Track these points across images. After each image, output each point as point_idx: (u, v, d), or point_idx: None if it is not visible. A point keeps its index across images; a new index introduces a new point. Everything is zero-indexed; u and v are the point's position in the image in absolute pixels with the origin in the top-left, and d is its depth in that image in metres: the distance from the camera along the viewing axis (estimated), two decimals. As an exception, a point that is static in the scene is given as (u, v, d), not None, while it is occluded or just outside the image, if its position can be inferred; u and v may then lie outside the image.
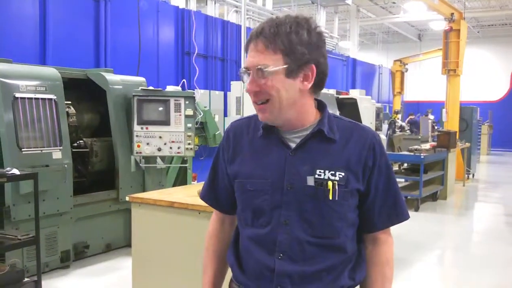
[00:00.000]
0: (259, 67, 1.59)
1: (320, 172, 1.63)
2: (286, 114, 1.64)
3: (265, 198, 1.66)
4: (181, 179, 7.22)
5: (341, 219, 1.65)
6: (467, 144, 12.96)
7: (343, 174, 1.63)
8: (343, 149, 1.67)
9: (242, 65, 1.69)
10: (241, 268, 1.75)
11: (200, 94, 9.35)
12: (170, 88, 6.77)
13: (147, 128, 6.13)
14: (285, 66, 1.59)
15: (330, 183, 1.61)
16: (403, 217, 1.77)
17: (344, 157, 1.66)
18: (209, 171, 1.90)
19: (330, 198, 1.61)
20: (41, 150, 5.22)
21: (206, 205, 1.97)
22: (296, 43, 1.60)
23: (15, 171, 4.28)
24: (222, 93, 12.31)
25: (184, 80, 7.93)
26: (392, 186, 1.74)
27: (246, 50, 1.65)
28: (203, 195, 1.94)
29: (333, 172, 1.63)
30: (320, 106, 1.74)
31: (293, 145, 1.67)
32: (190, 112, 6.25)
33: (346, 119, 1.76)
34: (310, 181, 1.63)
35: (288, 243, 1.63)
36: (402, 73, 22.96)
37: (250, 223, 1.71)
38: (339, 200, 1.63)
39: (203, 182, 1.99)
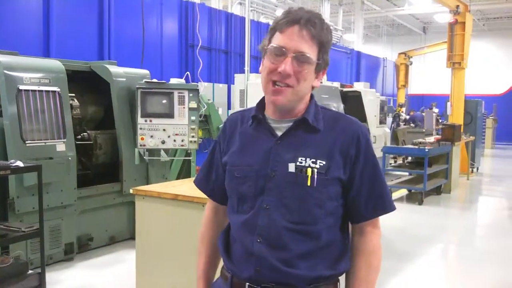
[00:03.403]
0: (303, 54, 1.64)
1: (301, 159, 1.68)
2: (295, 104, 1.71)
3: (249, 185, 1.73)
4: (184, 172, 7.24)
5: (320, 206, 1.68)
6: (472, 138, 12.91)
7: (324, 162, 1.67)
8: (327, 138, 1.71)
9: (275, 43, 1.67)
10: (228, 254, 1.82)
11: (203, 87, 9.34)
12: (173, 81, 6.77)
13: (150, 121, 6.12)
14: (319, 62, 1.67)
15: (309, 170, 1.66)
16: (389, 208, 1.78)
17: (327, 146, 1.70)
18: (205, 160, 1.98)
19: (309, 184, 1.65)
20: (45, 143, 5.22)
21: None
22: (328, 43, 1.70)
23: (19, 164, 4.28)
24: (226, 86, 12.30)
25: (188, 73, 7.93)
26: (377, 178, 1.76)
27: (280, 30, 1.67)
28: (198, 182, 2.02)
29: (314, 160, 1.67)
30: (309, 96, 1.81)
31: (280, 134, 1.73)
32: (194, 104, 6.24)
33: (333, 110, 1.82)
34: (291, 167, 1.68)
35: (266, 227, 1.68)
36: (407, 66, 22.88)
37: (236, 209, 1.78)
38: (318, 187, 1.66)
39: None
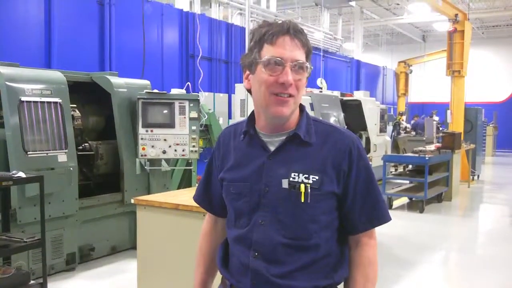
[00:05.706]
0: (301, 62, 1.65)
1: (294, 175, 1.67)
2: (292, 114, 1.71)
3: (245, 200, 1.73)
4: (186, 182, 7.24)
5: (314, 222, 1.68)
6: (472, 145, 12.91)
7: (317, 177, 1.67)
8: (319, 152, 1.70)
9: (268, 55, 1.64)
10: (225, 266, 1.83)
11: (204, 97, 9.35)
12: (174, 91, 6.79)
13: (152, 131, 6.14)
14: (311, 69, 1.70)
15: (302, 186, 1.66)
16: (384, 219, 1.78)
17: (319, 161, 1.69)
18: (203, 174, 1.98)
19: (302, 200, 1.66)
20: (47, 153, 5.24)
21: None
22: (311, 50, 1.72)
23: (21, 174, 4.30)
24: (226, 95, 12.34)
25: (189, 83, 7.95)
26: (371, 189, 1.75)
27: (270, 42, 1.65)
28: (197, 197, 2.03)
29: (307, 176, 1.67)
30: (300, 108, 1.78)
31: (272, 148, 1.72)
32: (194, 114, 6.26)
33: (326, 123, 1.81)
34: (285, 183, 1.68)
35: (262, 242, 1.69)
36: (407, 75, 22.93)
37: (233, 224, 1.79)
38: (311, 203, 1.66)
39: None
